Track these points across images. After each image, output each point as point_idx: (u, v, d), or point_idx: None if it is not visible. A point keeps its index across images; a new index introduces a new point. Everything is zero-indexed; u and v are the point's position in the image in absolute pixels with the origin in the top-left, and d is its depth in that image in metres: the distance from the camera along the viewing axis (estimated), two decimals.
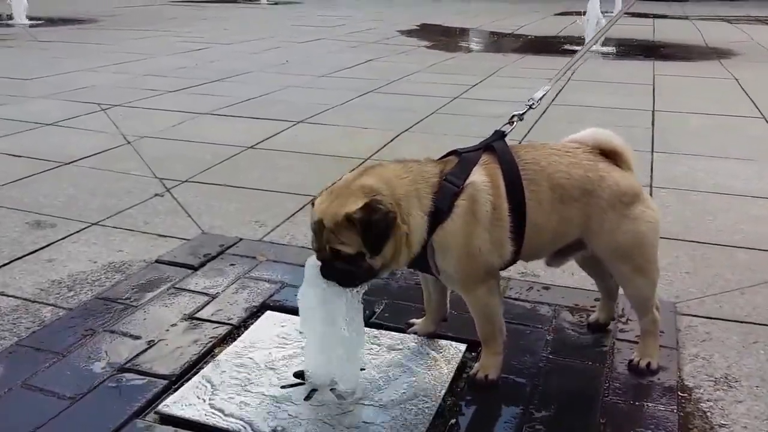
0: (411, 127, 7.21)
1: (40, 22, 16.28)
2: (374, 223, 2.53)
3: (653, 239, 2.93)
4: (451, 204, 2.67)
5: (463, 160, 2.78)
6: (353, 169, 2.81)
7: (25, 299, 3.67)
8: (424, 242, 2.70)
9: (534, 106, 3.17)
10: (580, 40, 13.35)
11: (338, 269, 2.64)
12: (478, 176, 2.73)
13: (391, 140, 6.64)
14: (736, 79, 10.35)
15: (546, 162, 2.82)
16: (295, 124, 7.40)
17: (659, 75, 10.66)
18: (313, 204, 2.69)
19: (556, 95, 8.79)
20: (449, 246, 2.71)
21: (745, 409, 2.85)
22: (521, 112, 3.09)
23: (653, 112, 8.17)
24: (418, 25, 18.01)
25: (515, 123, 3.03)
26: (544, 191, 2.79)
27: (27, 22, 15.95)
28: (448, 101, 8.59)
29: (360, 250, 2.57)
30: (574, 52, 12.71)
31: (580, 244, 2.96)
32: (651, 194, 5.29)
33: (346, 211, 2.53)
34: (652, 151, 6.51)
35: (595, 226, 2.85)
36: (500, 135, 2.91)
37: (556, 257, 3.09)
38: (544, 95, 3.23)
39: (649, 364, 3.04)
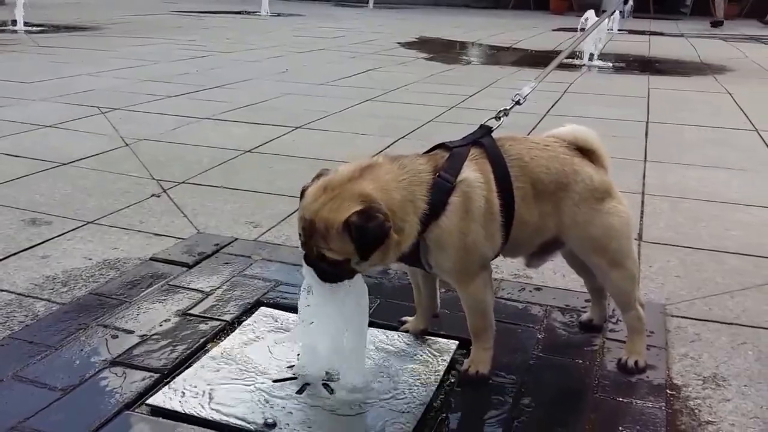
0: (408, 134, 7.22)
1: (43, 28, 16.27)
2: (369, 231, 2.48)
3: (626, 232, 2.96)
4: (445, 201, 2.66)
5: (454, 155, 2.77)
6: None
7: (18, 294, 3.64)
8: (415, 240, 2.68)
9: (521, 102, 3.17)
10: (576, 55, 13.36)
11: (322, 268, 2.62)
12: (470, 172, 2.72)
13: (388, 146, 6.63)
14: (730, 94, 10.36)
15: (529, 157, 2.84)
16: (293, 130, 7.39)
17: (654, 89, 10.67)
18: (303, 192, 2.64)
19: (552, 106, 8.82)
20: (445, 242, 2.70)
21: (732, 407, 2.85)
22: (508, 108, 3.09)
23: (647, 123, 8.20)
24: (417, 38, 18.02)
25: (502, 119, 3.02)
26: (528, 187, 2.81)
27: (24, 28, 15.93)
28: (445, 110, 8.60)
29: (347, 257, 2.54)
30: (570, 66, 12.76)
31: (557, 243, 2.99)
32: (643, 201, 5.33)
33: (342, 218, 2.47)
34: (645, 160, 6.53)
35: (569, 220, 2.88)
36: (487, 130, 2.91)
37: (535, 257, 3.10)
38: (531, 91, 3.22)
39: (636, 362, 3.04)
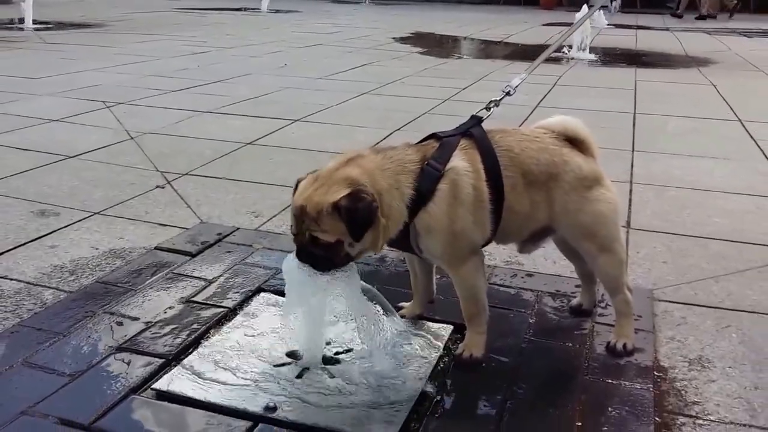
0: (403, 126, 7.20)
1: (50, 26, 16.22)
2: (358, 211, 2.52)
3: (614, 219, 2.97)
4: (433, 188, 2.68)
5: (443, 144, 2.79)
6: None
7: (27, 282, 3.64)
8: (404, 226, 2.71)
9: (511, 93, 3.19)
10: (565, 48, 13.36)
11: (315, 254, 2.64)
12: (458, 161, 2.74)
13: (384, 138, 6.61)
14: (714, 85, 10.36)
15: (519, 149, 2.85)
16: (292, 123, 7.37)
17: (641, 81, 10.66)
18: (296, 186, 2.70)
19: (542, 98, 8.81)
20: (433, 228, 2.72)
21: (717, 388, 2.86)
22: (498, 99, 3.11)
23: (634, 114, 8.19)
24: (411, 33, 17.97)
25: (492, 109, 3.04)
26: (517, 177, 2.82)
27: (31, 26, 15.88)
28: (439, 102, 8.58)
29: (339, 238, 2.58)
30: (559, 59, 12.75)
31: (548, 230, 3.00)
32: (631, 190, 5.35)
33: (332, 200, 2.52)
34: (633, 150, 6.53)
35: (559, 208, 2.89)
36: (477, 120, 2.92)
37: (527, 244, 3.12)
38: (520, 83, 3.25)
39: (625, 345, 3.05)
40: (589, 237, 2.94)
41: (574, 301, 3.45)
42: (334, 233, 2.57)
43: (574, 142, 2.94)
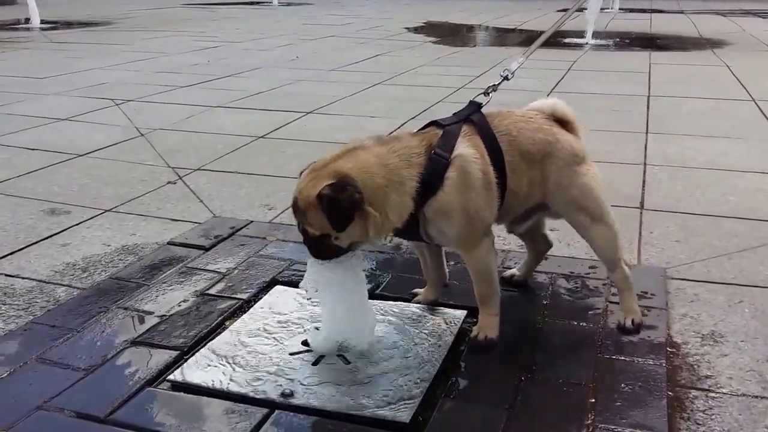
0: (417, 115, 7.20)
1: (57, 25, 16.33)
2: (340, 202, 2.58)
3: (600, 190, 3.09)
4: (442, 177, 2.74)
5: (447, 132, 2.85)
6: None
7: (39, 281, 3.68)
8: (411, 216, 2.74)
9: (509, 78, 3.30)
10: (580, 34, 13.33)
11: (308, 243, 2.75)
12: (464, 148, 2.81)
13: (397, 128, 6.61)
14: (728, 66, 10.38)
15: (516, 131, 2.97)
16: (304, 115, 7.41)
17: (655, 64, 10.67)
18: (300, 176, 2.76)
19: (556, 84, 8.80)
20: (447, 214, 2.78)
21: (730, 362, 2.91)
22: (496, 83, 3.21)
23: (648, 97, 8.19)
24: (424, 23, 17.98)
25: (491, 94, 3.14)
26: (517, 158, 2.94)
27: (38, 25, 16.00)
28: (453, 91, 8.57)
29: (324, 232, 2.65)
30: (573, 45, 12.72)
31: (539, 207, 3.12)
32: (645, 171, 5.42)
33: (315, 194, 2.59)
34: (647, 132, 6.57)
35: (553, 184, 3.02)
36: (476, 106, 3.00)
37: (515, 223, 3.24)
38: (518, 67, 3.37)
39: (633, 321, 3.12)
40: (581, 209, 3.07)
41: (508, 273, 3.57)
42: (320, 227, 2.65)
43: (562, 122, 3.09)
